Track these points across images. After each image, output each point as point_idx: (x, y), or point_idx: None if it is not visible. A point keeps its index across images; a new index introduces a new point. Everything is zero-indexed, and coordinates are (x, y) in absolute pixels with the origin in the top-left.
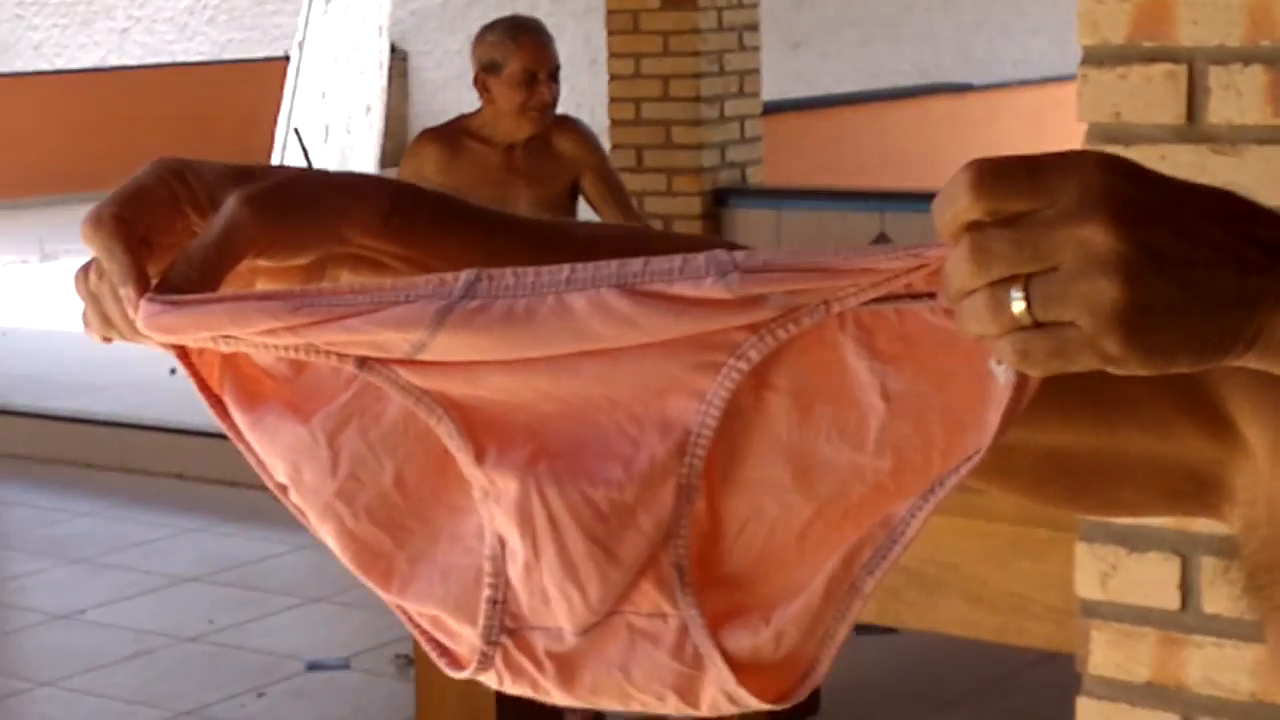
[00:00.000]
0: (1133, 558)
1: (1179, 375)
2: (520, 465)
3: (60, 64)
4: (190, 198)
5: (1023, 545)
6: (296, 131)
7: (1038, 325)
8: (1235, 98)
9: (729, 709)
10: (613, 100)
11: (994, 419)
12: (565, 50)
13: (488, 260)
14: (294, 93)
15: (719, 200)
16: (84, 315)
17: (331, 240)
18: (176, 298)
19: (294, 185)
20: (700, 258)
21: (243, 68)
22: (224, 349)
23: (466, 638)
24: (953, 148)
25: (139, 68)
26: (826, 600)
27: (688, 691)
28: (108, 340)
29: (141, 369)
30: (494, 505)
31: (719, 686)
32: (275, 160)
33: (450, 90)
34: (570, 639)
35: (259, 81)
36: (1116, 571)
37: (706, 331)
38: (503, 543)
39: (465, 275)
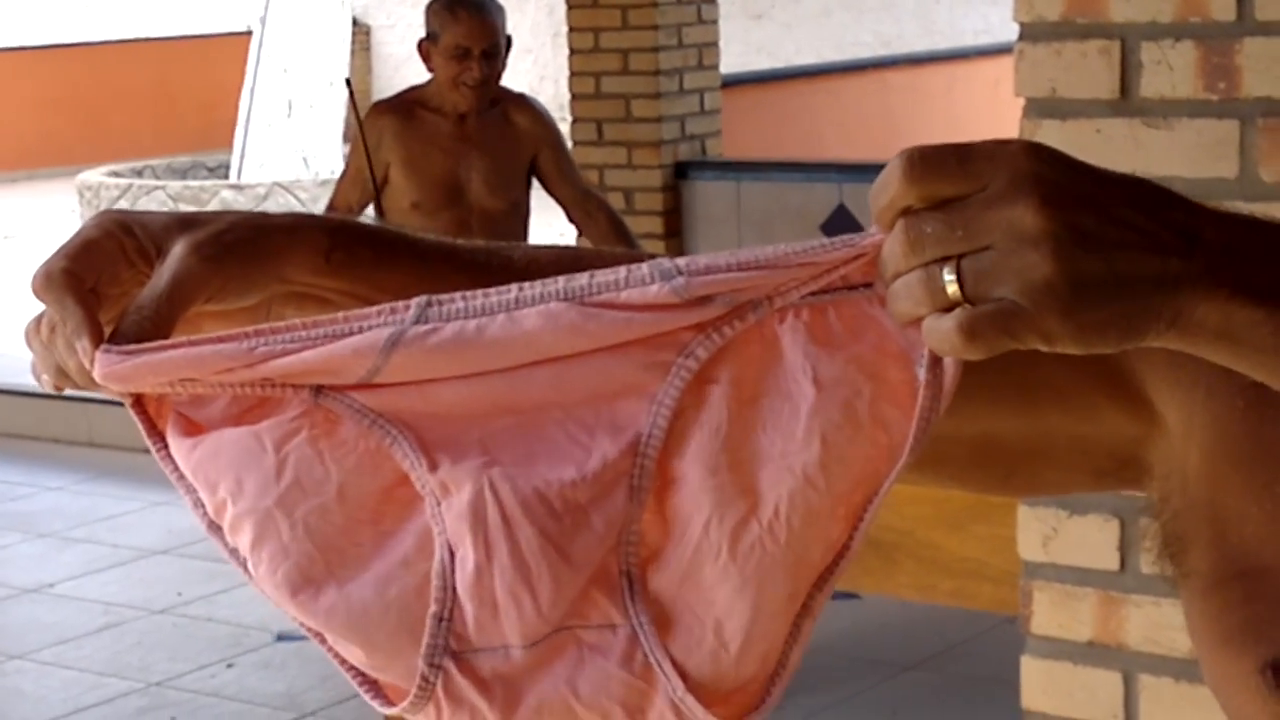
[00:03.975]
0: (1073, 520)
1: (1100, 358)
2: (474, 469)
3: (23, 40)
4: (137, 248)
5: (977, 510)
6: (347, 81)
7: (969, 304)
8: (1167, 72)
9: None
10: (573, 74)
11: (915, 427)
12: (528, 23)
13: (428, 289)
14: (257, 68)
15: (679, 173)
16: (34, 366)
17: (275, 281)
18: (132, 348)
19: (236, 230)
20: (644, 266)
21: (206, 42)
22: (181, 393)
23: (404, 661)
24: (911, 119)
25: (103, 43)
26: (772, 618)
27: (636, 708)
28: (59, 389)
29: None
30: (446, 512)
31: (668, 697)
32: (238, 132)
33: (414, 65)
34: (517, 654)
35: (222, 57)
36: (1057, 534)
37: (655, 334)
38: (452, 554)
39: (416, 302)
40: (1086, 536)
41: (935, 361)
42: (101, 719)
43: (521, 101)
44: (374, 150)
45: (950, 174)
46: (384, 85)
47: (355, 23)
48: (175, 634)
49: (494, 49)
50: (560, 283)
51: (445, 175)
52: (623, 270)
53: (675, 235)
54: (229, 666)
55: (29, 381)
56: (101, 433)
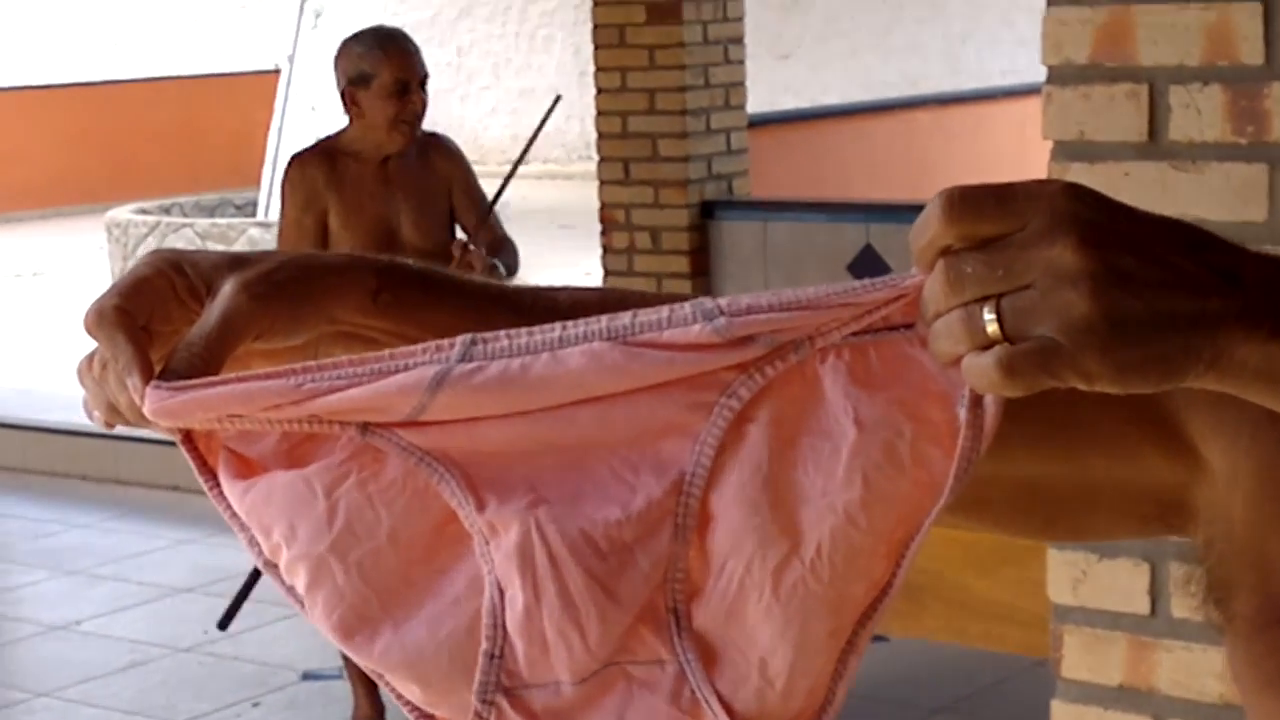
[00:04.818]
0: (1103, 564)
1: (1143, 402)
2: (521, 510)
3: (52, 78)
4: (187, 287)
5: (1006, 553)
6: (559, 97)
7: (1009, 343)
8: (1195, 116)
9: None
10: (600, 114)
11: (956, 467)
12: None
13: (473, 329)
14: (285, 106)
15: (706, 212)
16: (86, 403)
17: (324, 320)
18: (182, 384)
19: (286, 269)
20: (685, 306)
21: (234, 81)
22: (230, 429)
23: (459, 698)
24: (938, 159)
25: (132, 81)
26: (816, 655)
27: None
28: (111, 426)
29: None
30: (494, 551)
31: None
32: (266, 169)
33: (440, 102)
34: (568, 690)
35: (250, 95)
36: (1087, 577)
37: (697, 373)
38: (502, 592)
39: (461, 340)
40: (1117, 580)
41: (976, 401)
42: None
43: (436, 140)
44: (310, 200)
45: (989, 214)
46: None
47: None
48: (201, 672)
49: (426, 80)
50: (603, 322)
51: (377, 221)
52: (665, 310)
53: (702, 275)
54: (255, 705)
55: (57, 418)
56: (129, 470)
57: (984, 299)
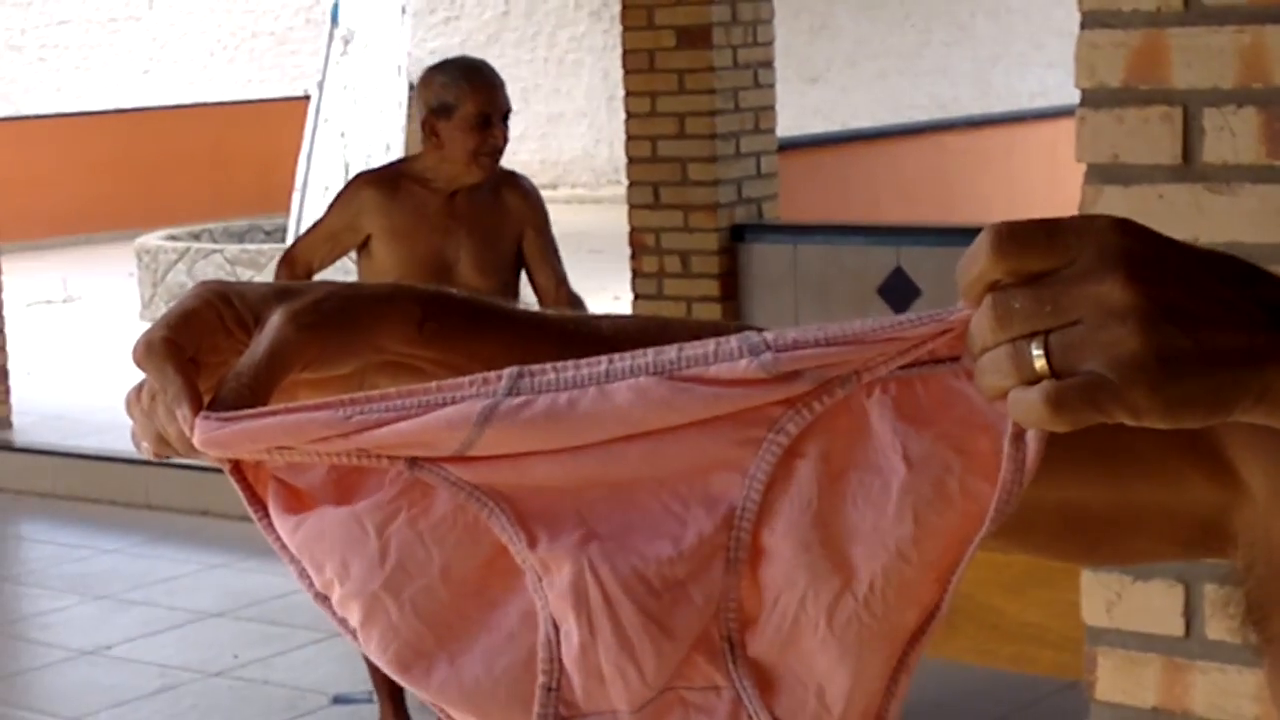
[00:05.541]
0: (1137, 585)
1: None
2: (572, 547)
3: (82, 106)
4: (235, 318)
5: (1037, 575)
6: None
7: (1056, 377)
8: (1230, 138)
9: None
10: (630, 138)
11: (996, 500)
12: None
13: (520, 360)
14: (314, 132)
15: (736, 236)
16: (134, 433)
17: (370, 350)
18: (231, 414)
19: (332, 300)
20: (732, 340)
21: (263, 107)
22: (278, 460)
23: None
24: (969, 182)
25: (160, 109)
26: (872, 681)
27: None
28: (160, 456)
29: None
30: (548, 589)
31: None
32: (296, 196)
33: None
34: (625, 719)
35: (279, 121)
36: (1121, 599)
37: (744, 408)
38: (557, 627)
39: (508, 374)
40: (1151, 602)
41: (1018, 435)
42: None
43: (513, 179)
44: (353, 219)
45: (1038, 249)
46: None
47: (411, 87)
48: (231, 696)
49: (509, 114)
50: (650, 356)
51: (432, 253)
52: (711, 344)
53: (732, 298)
54: None
55: (88, 444)
56: (159, 495)
57: (1032, 335)
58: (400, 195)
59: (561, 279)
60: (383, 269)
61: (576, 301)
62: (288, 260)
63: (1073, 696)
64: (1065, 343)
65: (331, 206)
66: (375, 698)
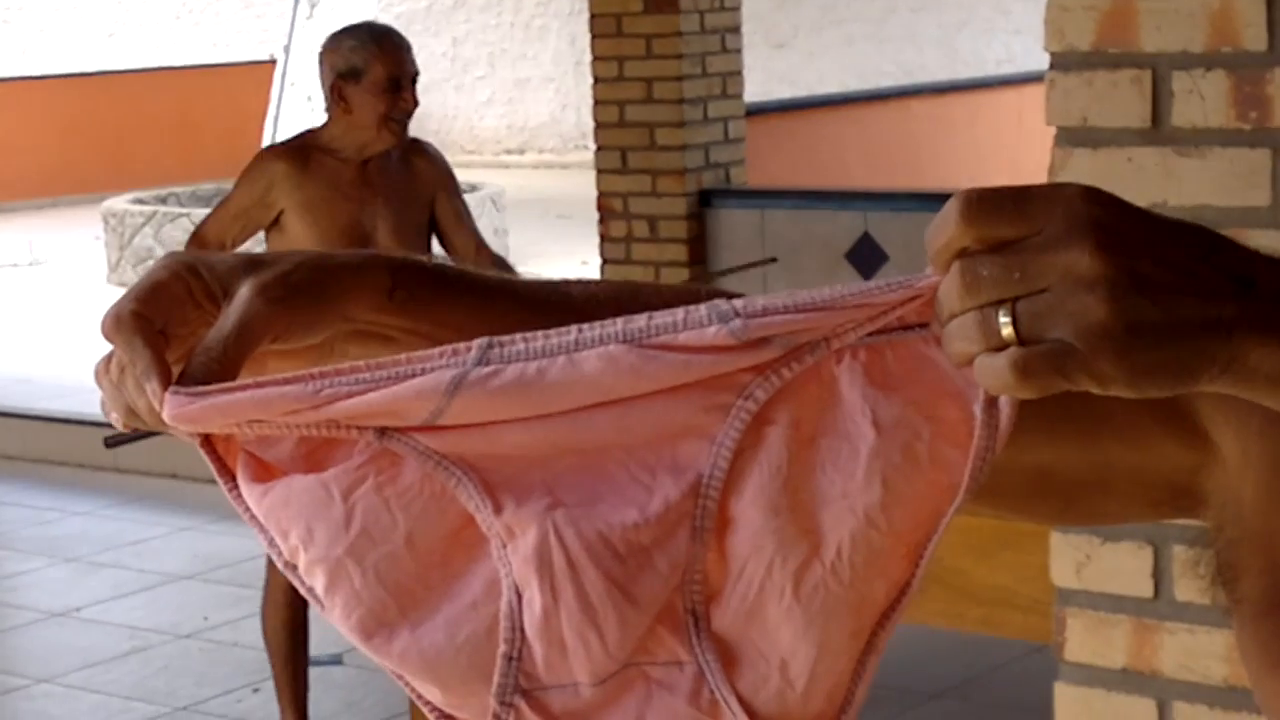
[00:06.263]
0: (1106, 547)
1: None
2: (538, 512)
3: (47, 69)
4: (204, 290)
5: (1005, 538)
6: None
7: (1023, 345)
8: (1199, 101)
9: None
10: (597, 103)
11: (970, 466)
12: (550, 53)
13: (490, 326)
14: (280, 96)
15: (703, 201)
16: (104, 404)
17: (340, 320)
18: (201, 389)
19: (301, 270)
20: (701, 308)
21: (229, 71)
22: (248, 433)
23: (478, 700)
24: (935, 148)
25: (128, 72)
26: (837, 656)
27: None
28: (129, 429)
29: None
30: (512, 555)
31: None
32: None
33: (435, 92)
34: (586, 691)
35: (246, 85)
36: (1091, 561)
37: (714, 375)
38: (519, 595)
39: (477, 344)
40: (1120, 563)
41: (990, 402)
42: None
43: (419, 145)
44: (264, 195)
45: (1007, 216)
46: None
47: None
48: (201, 658)
49: (417, 78)
50: (619, 325)
51: (349, 223)
52: (680, 312)
53: (699, 263)
54: (255, 691)
55: (56, 407)
56: (127, 459)
57: (1000, 302)
58: (312, 167)
59: (480, 241)
60: (298, 243)
61: (500, 262)
62: (197, 240)
63: (1040, 659)
64: (1033, 310)
65: (239, 183)
66: (342, 661)
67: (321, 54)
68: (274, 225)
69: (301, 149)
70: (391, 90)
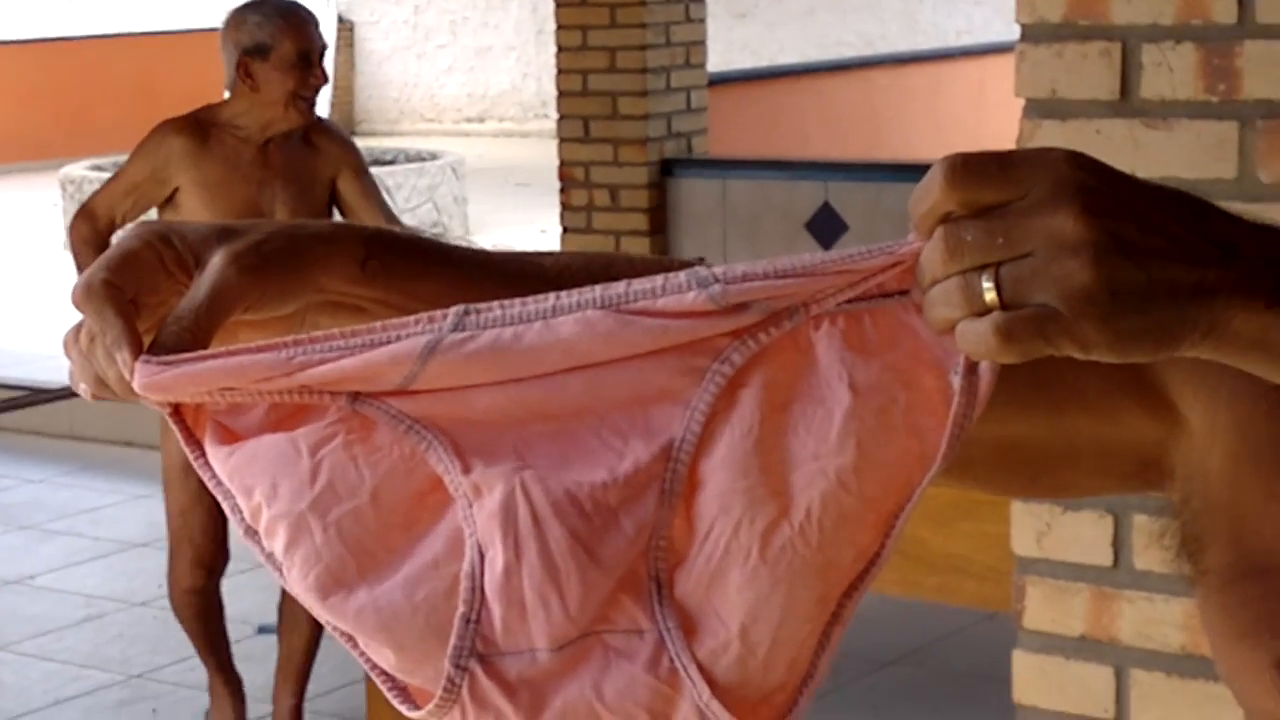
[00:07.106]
0: (1067, 516)
1: (1124, 363)
2: (506, 472)
3: (5, 34)
4: (175, 259)
5: (962, 506)
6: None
7: (1006, 310)
8: (1167, 74)
9: None
10: (560, 71)
11: (949, 433)
12: (511, 22)
13: (462, 298)
14: None
15: (665, 170)
16: (72, 374)
17: (312, 290)
18: (172, 358)
19: (274, 240)
20: (680, 275)
21: (189, 38)
22: (220, 401)
23: (432, 664)
24: (896, 118)
25: (86, 38)
26: (801, 622)
27: (662, 713)
28: (98, 399)
29: None
30: (477, 513)
31: (693, 703)
32: None
33: (397, 61)
34: (544, 658)
35: (205, 51)
36: (1051, 529)
37: (691, 341)
38: (482, 555)
39: (453, 311)
40: (1080, 532)
41: (970, 368)
42: (82, 711)
43: (322, 124)
44: (159, 170)
45: (991, 181)
46: (367, 81)
47: (340, 19)
48: (156, 626)
49: (325, 52)
50: (597, 291)
51: (246, 205)
52: (659, 278)
53: (660, 232)
54: None
55: (12, 374)
56: (83, 426)
57: (983, 267)
58: (211, 144)
59: (392, 216)
60: (192, 219)
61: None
62: (87, 214)
63: (994, 626)
64: (1016, 275)
65: (134, 156)
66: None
67: (224, 30)
68: (168, 202)
69: (201, 125)
70: (302, 66)
